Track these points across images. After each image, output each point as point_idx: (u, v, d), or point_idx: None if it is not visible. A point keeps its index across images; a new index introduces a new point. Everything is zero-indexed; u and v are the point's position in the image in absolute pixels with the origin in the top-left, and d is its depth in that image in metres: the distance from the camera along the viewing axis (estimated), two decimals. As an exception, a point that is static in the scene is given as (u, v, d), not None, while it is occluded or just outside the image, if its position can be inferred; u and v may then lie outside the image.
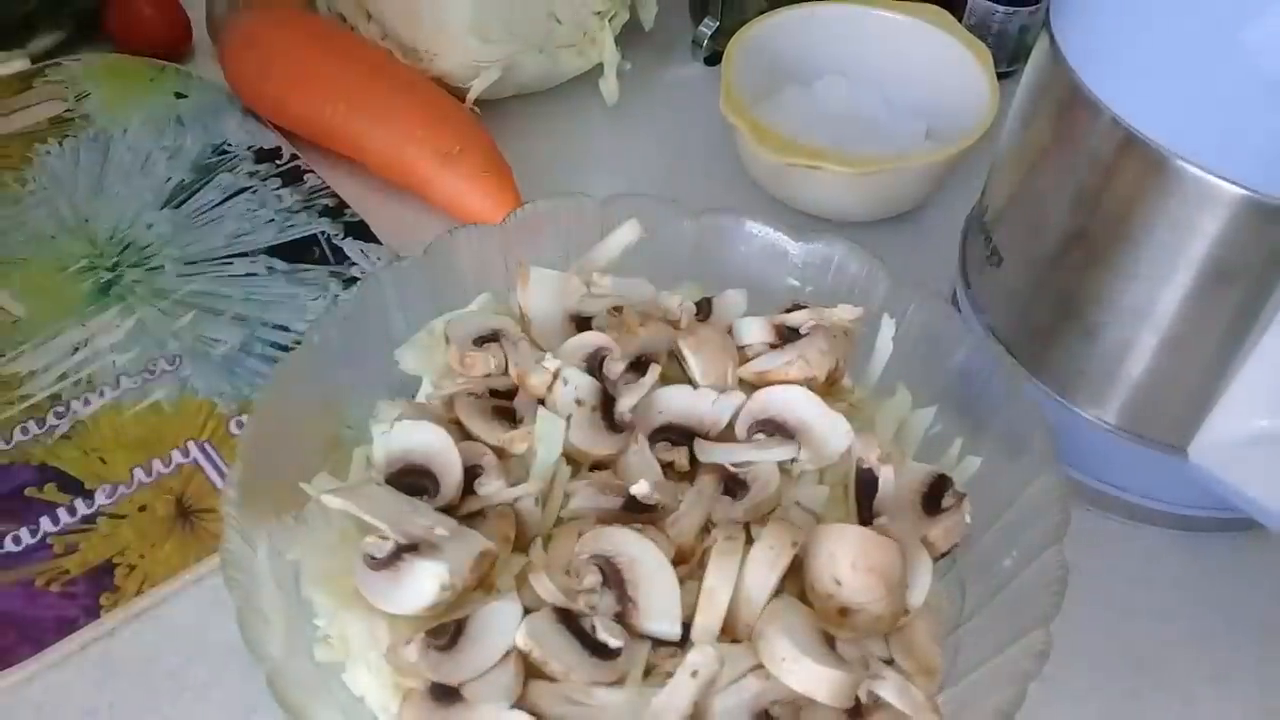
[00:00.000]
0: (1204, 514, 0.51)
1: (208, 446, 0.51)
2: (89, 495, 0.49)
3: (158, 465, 0.51)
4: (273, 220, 0.62)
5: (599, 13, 0.68)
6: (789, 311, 0.46)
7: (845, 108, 0.67)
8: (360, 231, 0.61)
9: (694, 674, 0.35)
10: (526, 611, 0.37)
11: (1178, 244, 0.43)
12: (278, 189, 0.63)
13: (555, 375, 0.42)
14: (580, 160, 0.69)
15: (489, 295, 0.47)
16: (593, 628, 0.37)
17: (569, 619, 0.38)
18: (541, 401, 0.42)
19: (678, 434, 0.43)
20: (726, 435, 0.44)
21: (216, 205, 0.62)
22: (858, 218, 0.64)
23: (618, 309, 0.46)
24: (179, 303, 0.57)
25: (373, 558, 0.37)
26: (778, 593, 0.38)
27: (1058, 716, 0.46)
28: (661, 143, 0.70)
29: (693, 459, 0.42)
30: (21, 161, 0.64)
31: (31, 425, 0.52)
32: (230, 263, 0.60)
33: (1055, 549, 0.38)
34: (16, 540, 0.47)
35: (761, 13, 0.68)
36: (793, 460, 0.42)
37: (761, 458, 0.41)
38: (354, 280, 0.59)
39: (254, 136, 0.65)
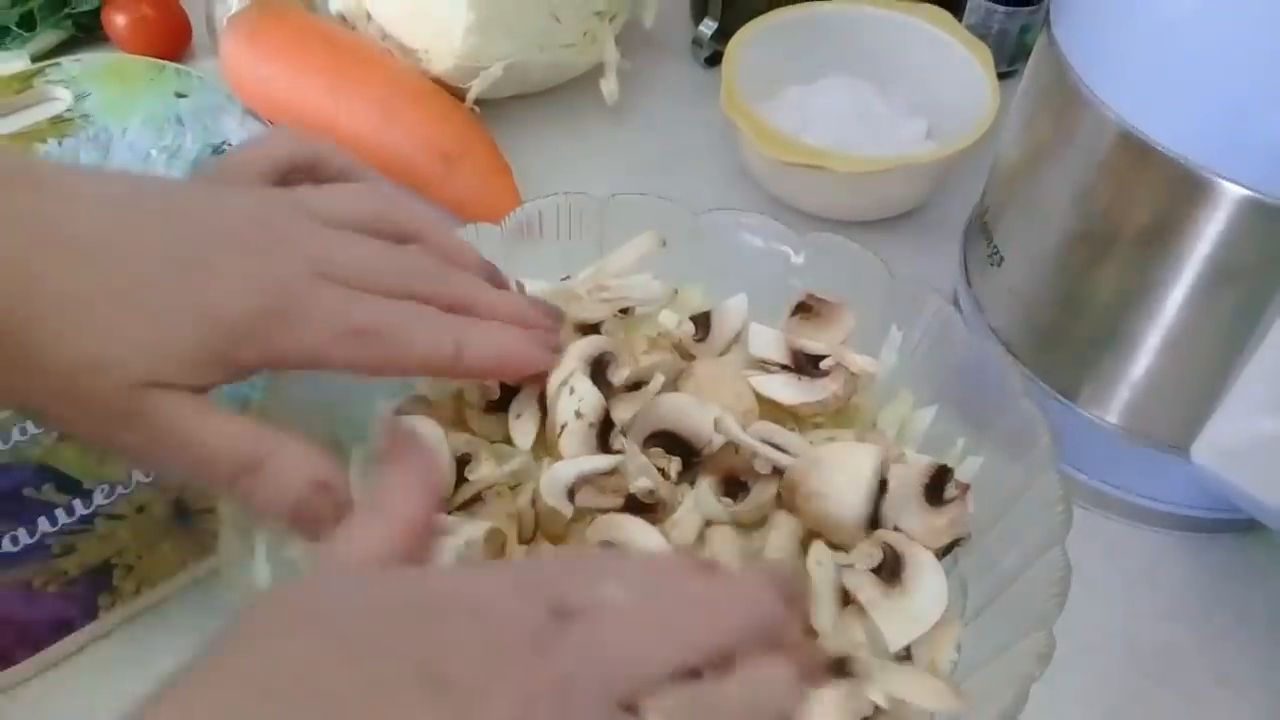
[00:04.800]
0: (1207, 514, 0.51)
1: (206, 447, 0.51)
2: (87, 495, 0.49)
3: (156, 465, 0.50)
4: (272, 220, 0.61)
5: (600, 12, 0.68)
6: (797, 310, 0.46)
7: (846, 107, 0.67)
8: (360, 231, 0.61)
9: None
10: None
11: (1179, 244, 0.43)
12: (277, 189, 0.63)
13: (563, 382, 0.42)
14: (580, 160, 0.68)
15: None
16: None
17: None
18: (542, 399, 0.42)
19: (673, 443, 0.42)
20: (724, 451, 0.42)
21: (216, 205, 0.62)
22: (859, 217, 0.64)
23: (624, 310, 0.46)
24: (178, 303, 0.57)
25: None
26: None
27: (1062, 719, 0.46)
28: (662, 143, 0.70)
29: (684, 468, 0.42)
30: (21, 161, 0.64)
31: (29, 425, 0.51)
32: (230, 262, 0.59)
33: (1058, 549, 0.38)
34: (14, 541, 0.47)
35: (762, 13, 0.68)
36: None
37: (784, 441, 0.41)
38: (354, 280, 0.58)
39: (254, 136, 0.65)
